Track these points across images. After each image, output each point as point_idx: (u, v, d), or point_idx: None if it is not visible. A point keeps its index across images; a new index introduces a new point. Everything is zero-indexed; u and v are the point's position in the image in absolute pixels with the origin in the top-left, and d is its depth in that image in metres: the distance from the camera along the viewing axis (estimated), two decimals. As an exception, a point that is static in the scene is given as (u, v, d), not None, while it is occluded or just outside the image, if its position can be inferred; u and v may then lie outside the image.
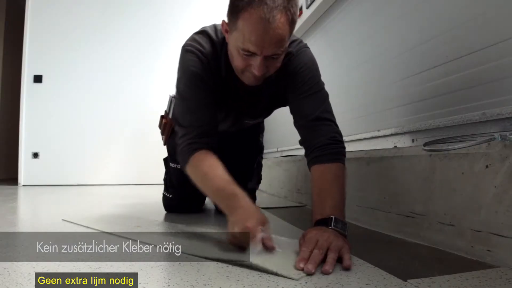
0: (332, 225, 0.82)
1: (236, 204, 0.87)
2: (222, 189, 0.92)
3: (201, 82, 1.03)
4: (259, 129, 1.54)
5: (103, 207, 1.76)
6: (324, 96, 1.07)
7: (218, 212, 1.35)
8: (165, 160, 1.50)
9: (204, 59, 1.03)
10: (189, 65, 1.03)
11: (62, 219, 1.26)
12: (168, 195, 1.46)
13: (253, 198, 1.47)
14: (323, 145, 0.98)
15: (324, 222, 0.83)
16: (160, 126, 1.49)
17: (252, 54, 0.89)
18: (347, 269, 0.70)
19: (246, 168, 1.45)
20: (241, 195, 0.88)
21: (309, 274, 0.66)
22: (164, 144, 1.49)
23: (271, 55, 0.90)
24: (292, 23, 0.90)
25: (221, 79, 1.07)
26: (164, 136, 1.46)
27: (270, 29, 0.85)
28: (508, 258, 0.69)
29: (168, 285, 0.60)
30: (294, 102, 1.08)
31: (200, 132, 1.02)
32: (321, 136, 0.99)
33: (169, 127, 1.40)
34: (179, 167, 1.23)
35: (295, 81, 1.07)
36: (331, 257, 0.71)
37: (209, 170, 0.97)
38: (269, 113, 1.27)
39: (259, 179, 1.54)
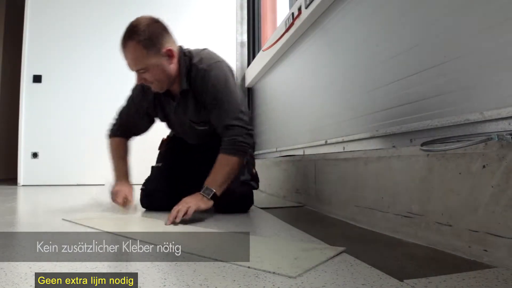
0: (202, 191, 1.27)
1: (117, 179, 1.53)
2: (115, 165, 1.57)
3: (133, 101, 1.57)
4: None
5: (103, 207, 1.76)
6: (230, 106, 1.38)
7: (217, 211, 1.43)
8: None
9: (142, 87, 1.49)
10: (133, 88, 1.58)
11: (62, 219, 1.27)
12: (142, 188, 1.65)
13: (250, 192, 1.55)
14: (224, 142, 1.36)
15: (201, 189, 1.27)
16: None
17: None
18: (186, 220, 1.16)
19: None
20: (122, 174, 1.55)
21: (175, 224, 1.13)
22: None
23: (138, 70, 1.33)
24: (145, 45, 1.29)
25: (149, 100, 1.52)
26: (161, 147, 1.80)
27: (124, 53, 1.33)
28: (505, 258, 0.69)
29: (164, 285, 0.60)
30: (209, 112, 1.42)
31: (122, 126, 1.59)
32: (226, 137, 1.36)
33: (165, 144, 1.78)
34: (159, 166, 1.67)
35: (206, 93, 1.39)
36: (181, 210, 1.17)
37: (116, 149, 1.59)
38: (207, 117, 1.47)
39: (253, 176, 1.58)
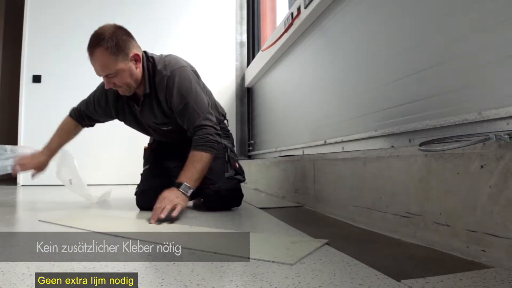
0: (181, 188, 1.30)
1: (41, 150, 1.68)
2: (50, 139, 1.71)
3: (94, 100, 1.65)
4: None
5: (101, 207, 1.76)
6: (197, 108, 1.46)
7: (209, 209, 1.55)
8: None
9: (105, 90, 1.56)
10: (98, 87, 1.68)
11: (39, 220, 1.25)
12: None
13: (237, 186, 1.61)
14: (196, 140, 1.42)
15: (177, 185, 1.31)
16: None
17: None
18: (173, 218, 1.19)
19: (219, 163, 1.58)
20: (47, 148, 1.69)
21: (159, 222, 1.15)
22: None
23: (107, 75, 1.40)
24: (114, 52, 1.36)
25: (110, 104, 1.60)
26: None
27: (93, 60, 1.40)
28: (502, 258, 0.69)
29: (162, 285, 0.60)
30: (178, 116, 1.49)
31: (82, 112, 1.69)
32: (197, 136, 1.43)
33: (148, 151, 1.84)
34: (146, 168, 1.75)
35: (171, 98, 1.46)
36: (166, 208, 1.19)
37: (62, 128, 1.72)
38: (173, 120, 1.54)
39: (238, 170, 1.64)
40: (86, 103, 1.68)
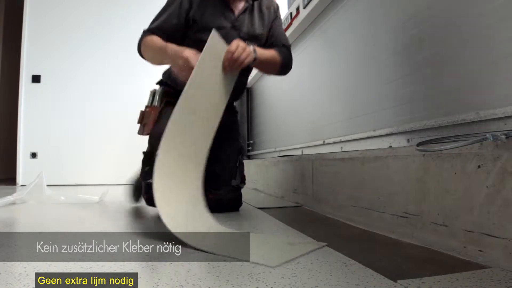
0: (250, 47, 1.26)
1: (174, 49, 1.28)
2: (165, 46, 1.32)
3: (180, 4, 1.44)
4: (237, 132, 1.70)
5: (101, 208, 1.76)
6: (283, 31, 1.62)
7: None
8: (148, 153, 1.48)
9: None
10: None
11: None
12: (149, 182, 1.35)
13: (239, 195, 1.57)
14: (282, 51, 1.49)
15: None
16: (140, 121, 1.54)
17: None
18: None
19: (231, 166, 1.55)
20: (170, 45, 1.31)
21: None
22: (147, 134, 1.49)
23: None
24: None
25: (197, 4, 1.46)
26: (147, 126, 1.48)
27: None
28: (499, 258, 0.69)
29: (158, 285, 0.60)
30: (272, 27, 1.55)
31: (158, 27, 1.43)
32: (284, 49, 1.52)
33: (154, 114, 1.48)
34: None
35: (270, 8, 1.54)
36: (247, 51, 1.21)
37: (156, 40, 1.38)
38: (263, 32, 1.55)
39: (243, 178, 1.60)
40: (161, 18, 1.45)
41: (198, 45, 1.24)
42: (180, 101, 1.00)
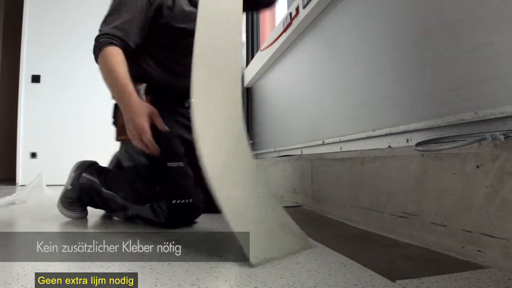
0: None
1: (132, 102, 1.08)
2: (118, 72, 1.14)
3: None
4: None
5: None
6: None
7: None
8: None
9: None
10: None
11: None
12: (161, 213, 1.10)
13: None
14: None
15: None
16: (114, 116, 1.32)
17: None
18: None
19: None
20: (129, 90, 1.09)
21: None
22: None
23: None
24: None
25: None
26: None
27: None
28: (498, 258, 0.69)
29: (156, 285, 0.60)
30: None
31: (119, 29, 1.24)
32: None
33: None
34: (180, 165, 1.13)
35: None
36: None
37: (116, 55, 1.19)
38: None
39: None
40: (122, 11, 1.22)
41: (175, 38, 1.12)
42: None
